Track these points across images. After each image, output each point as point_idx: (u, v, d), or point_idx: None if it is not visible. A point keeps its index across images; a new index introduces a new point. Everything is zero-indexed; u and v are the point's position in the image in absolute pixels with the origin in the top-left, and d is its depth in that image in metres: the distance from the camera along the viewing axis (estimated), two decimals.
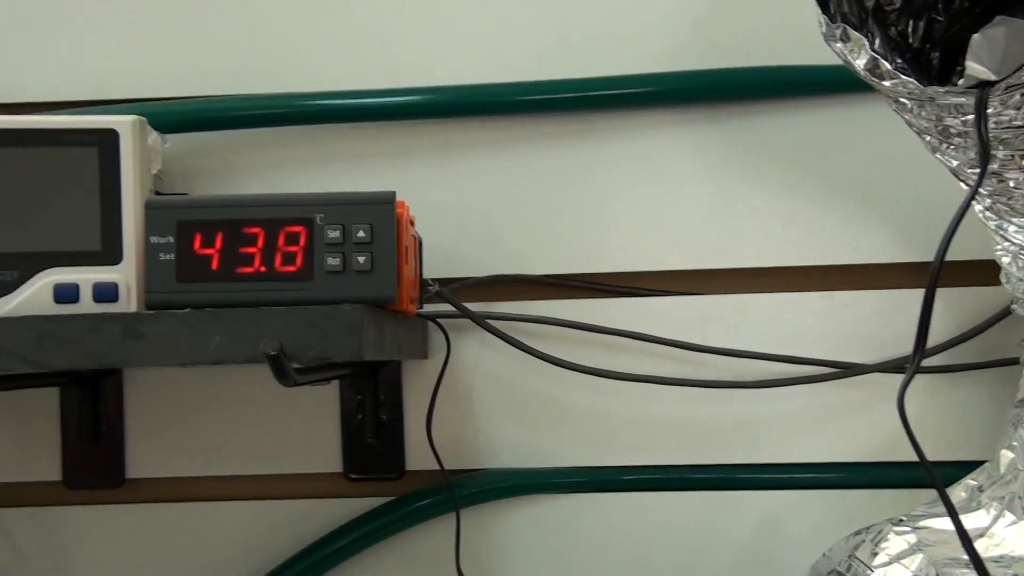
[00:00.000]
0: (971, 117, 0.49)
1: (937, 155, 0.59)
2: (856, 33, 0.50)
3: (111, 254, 0.67)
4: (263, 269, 0.62)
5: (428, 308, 0.80)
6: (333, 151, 0.85)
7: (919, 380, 0.80)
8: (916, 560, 0.64)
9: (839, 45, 0.51)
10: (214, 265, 0.63)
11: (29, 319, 0.61)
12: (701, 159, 0.84)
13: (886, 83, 0.50)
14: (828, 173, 0.83)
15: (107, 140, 0.68)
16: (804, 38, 0.80)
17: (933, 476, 0.52)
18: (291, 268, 0.62)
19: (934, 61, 0.58)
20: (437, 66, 0.84)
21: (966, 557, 0.60)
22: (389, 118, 0.84)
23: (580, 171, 0.84)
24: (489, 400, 0.84)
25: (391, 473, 0.84)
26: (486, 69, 0.84)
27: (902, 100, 0.53)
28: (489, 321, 0.81)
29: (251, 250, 0.62)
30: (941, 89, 0.49)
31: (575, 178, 0.84)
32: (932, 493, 0.72)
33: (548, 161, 0.84)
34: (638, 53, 0.83)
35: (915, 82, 0.49)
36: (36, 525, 0.86)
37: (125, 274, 0.67)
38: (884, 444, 0.82)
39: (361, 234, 0.62)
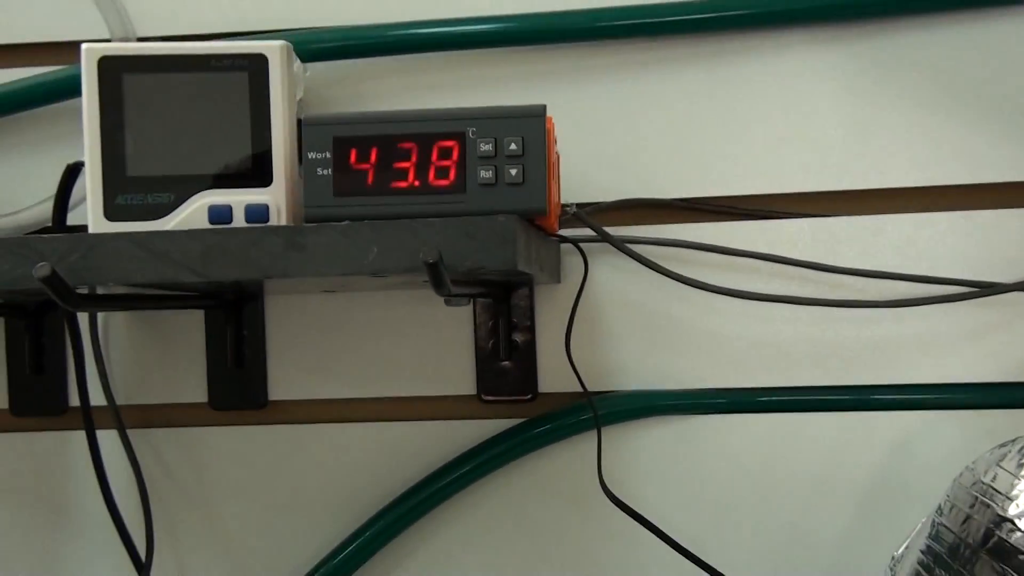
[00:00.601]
0: None
1: None
2: None
3: (262, 176, 0.69)
4: (417, 183, 0.64)
5: (563, 231, 0.81)
6: (467, 77, 0.86)
7: None
8: None
9: None
10: (369, 180, 0.65)
11: (197, 232, 0.63)
12: (837, 78, 0.83)
13: None
14: (967, 89, 0.82)
15: (257, 65, 0.70)
16: None
17: None
18: (444, 182, 0.64)
19: None
20: None
21: None
22: (522, 43, 0.84)
23: (713, 93, 0.84)
24: (621, 322, 0.85)
25: (524, 395, 0.86)
26: None
27: None
28: (626, 244, 0.82)
29: (405, 165, 0.64)
30: None
31: (708, 101, 0.84)
32: None
33: (683, 83, 0.84)
34: None
35: None
36: (183, 445, 0.90)
37: (275, 195, 0.69)
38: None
39: (513, 147, 0.63)
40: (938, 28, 0.82)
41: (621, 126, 0.85)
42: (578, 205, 0.82)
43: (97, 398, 0.87)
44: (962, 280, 0.81)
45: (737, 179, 0.84)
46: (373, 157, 0.64)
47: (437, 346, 0.87)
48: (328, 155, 0.65)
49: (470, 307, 0.86)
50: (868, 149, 0.83)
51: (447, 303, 0.77)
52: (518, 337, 0.86)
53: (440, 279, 0.59)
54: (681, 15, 0.82)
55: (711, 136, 0.84)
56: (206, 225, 0.69)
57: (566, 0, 0.84)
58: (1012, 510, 0.62)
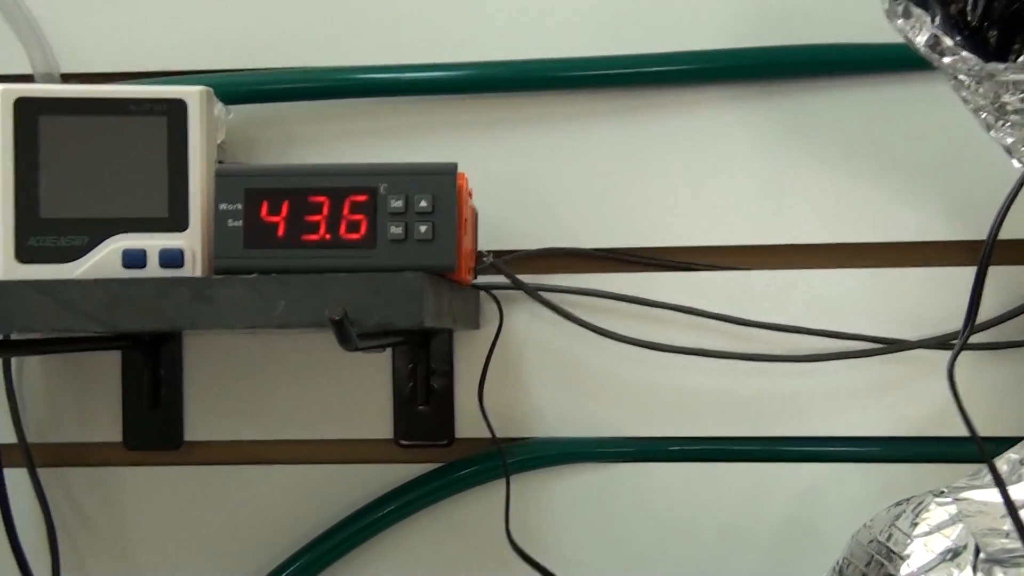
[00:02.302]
0: None
1: (992, 132, 0.60)
2: (918, 9, 0.51)
3: (178, 221, 0.69)
4: (328, 237, 0.64)
5: (481, 279, 0.82)
6: (391, 124, 0.87)
7: (966, 356, 0.81)
8: (956, 530, 0.65)
9: (900, 22, 0.52)
10: (280, 232, 0.65)
11: (103, 282, 0.63)
12: (752, 136, 0.85)
13: (946, 60, 0.51)
14: (878, 151, 0.84)
15: (176, 109, 0.70)
16: (858, 15, 0.82)
17: (980, 445, 0.53)
18: (355, 236, 0.64)
19: (991, 39, 0.59)
20: (495, 41, 0.86)
21: (1006, 527, 0.62)
22: (447, 92, 0.85)
23: (633, 146, 0.86)
24: (538, 370, 0.86)
25: (441, 440, 0.86)
26: (543, 44, 0.85)
27: (960, 77, 0.54)
28: (540, 292, 0.83)
29: (316, 218, 0.64)
30: (1001, 66, 0.50)
31: (627, 153, 0.86)
32: (973, 467, 0.73)
33: (602, 136, 0.86)
34: (692, 29, 0.84)
35: (975, 58, 0.50)
36: (97, 485, 0.89)
37: (191, 241, 0.69)
38: (926, 419, 0.83)
39: (423, 204, 0.64)
40: (848, 90, 0.84)
41: (543, 176, 0.86)
42: (502, 253, 0.83)
43: (7, 435, 0.86)
44: (869, 336, 0.82)
45: (655, 231, 0.86)
46: (284, 210, 0.64)
47: (355, 389, 0.87)
48: (239, 206, 0.65)
49: (389, 351, 0.87)
50: (781, 205, 0.85)
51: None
52: (436, 382, 0.86)
53: (346, 335, 0.60)
54: (602, 70, 0.84)
55: (631, 188, 0.86)
56: (119, 268, 0.68)
57: (498, 49, 0.85)
58: (903, 570, 0.64)
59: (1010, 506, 0.54)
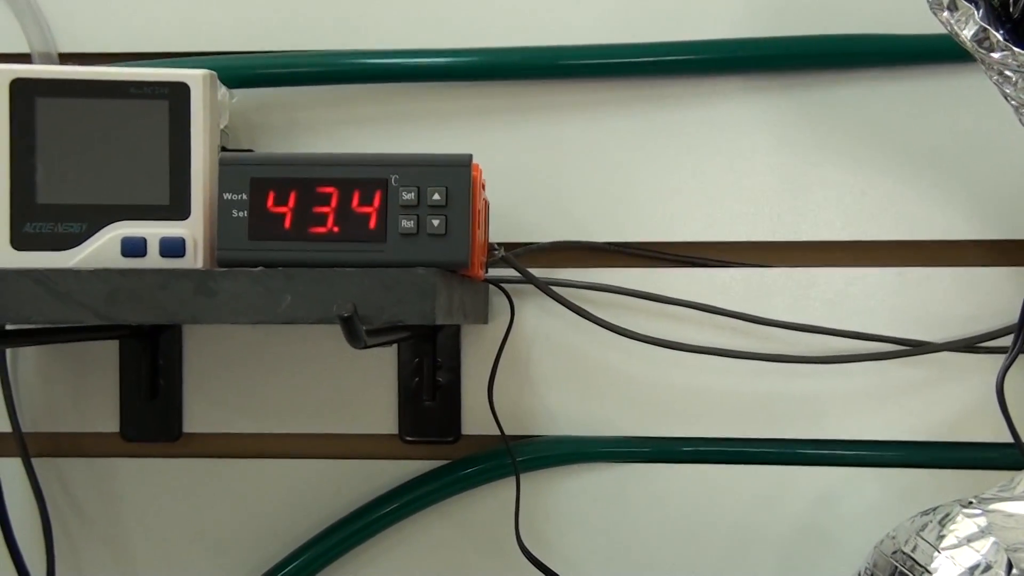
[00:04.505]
0: None
1: None
2: (964, 2, 0.48)
3: (179, 209, 0.67)
4: (336, 230, 0.62)
5: (491, 273, 0.79)
6: (398, 111, 0.84)
7: (998, 362, 0.78)
8: (986, 544, 0.62)
9: (946, 15, 0.49)
10: (287, 224, 0.62)
11: (102, 272, 0.60)
12: (773, 129, 0.82)
13: (995, 55, 0.49)
14: (902, 146, 0.81)
15: (178, 93, 0.67)
16: (882, 5, 0.80)
17: None
18: (364, 229, 0.61)
19: None
20: (506, 26, 0.83)
21: None
22: (456, 78, 0.83)
23: (649, 138, 0.83)
24: (548, 367, 0.83)
25: (447, 437, 0.84)
26: (558, 31, 0.82)
27: (1007, 73, 0.51)
28: (552, 287, 0.80)
29: (324, 210, 0.62)
30: None
31: (643, 145, 0.83)
32: (1001, 475, 0.71)
33: (616, 127, 0.83)
34: (711, 18, 0.82)
35: None
36: (93, 476, 0.87)
37: (192, 229, 0.66)
38: (949, 424, 0.81)
39: (436, 197, 0.61)
40: (872, 83, 0.81)
41: (556, 166, 0.84)
42: (512, 246, 0.80)
43: (1, 424, 0.84)
44: (891, 338, 0.80)
45: (670, 225, 0.83)
46: (292, 201, 0.62)
47: (360, 383, 0.85)
48: (244, 196, 0.62)
49: (395, 344, 0.84)
50: (801, 201, 0.82)
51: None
52: (443, 377, 0.84)
53: (355, 333, 0.57)
54: (617, 58, 0.81)
55: (647, 180, 0.83)
56: (118, 257, 0.66)
57: (512, 35, 0.83)
58: None
59: None
